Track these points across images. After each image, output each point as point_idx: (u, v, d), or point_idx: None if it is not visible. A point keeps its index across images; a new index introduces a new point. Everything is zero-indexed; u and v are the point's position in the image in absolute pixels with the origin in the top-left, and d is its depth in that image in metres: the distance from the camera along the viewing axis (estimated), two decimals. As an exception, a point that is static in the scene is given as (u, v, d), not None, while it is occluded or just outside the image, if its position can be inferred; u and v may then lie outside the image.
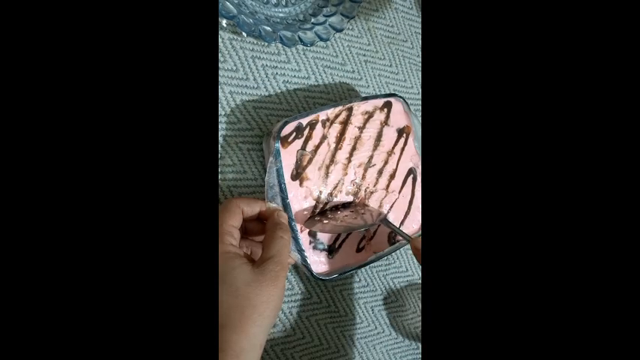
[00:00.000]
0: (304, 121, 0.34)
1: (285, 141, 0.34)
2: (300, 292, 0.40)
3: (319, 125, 0.36)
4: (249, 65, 0.37)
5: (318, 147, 0.36)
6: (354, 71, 0.43)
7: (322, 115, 0.36)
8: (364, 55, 0.44)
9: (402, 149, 0.40)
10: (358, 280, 0.44)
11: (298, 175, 0.34)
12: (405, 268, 0.47)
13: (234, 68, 0.36)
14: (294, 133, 0.34)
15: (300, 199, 0.35)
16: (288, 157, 0.34)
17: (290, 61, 0.39)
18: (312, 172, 0.35)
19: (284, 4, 0.37)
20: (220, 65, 0.35)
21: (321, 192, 0.36)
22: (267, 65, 0.38)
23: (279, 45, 0.38)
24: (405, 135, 0.40)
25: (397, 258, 0.47)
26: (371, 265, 0.44)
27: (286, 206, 0.32)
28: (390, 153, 0.40)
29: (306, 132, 0.35)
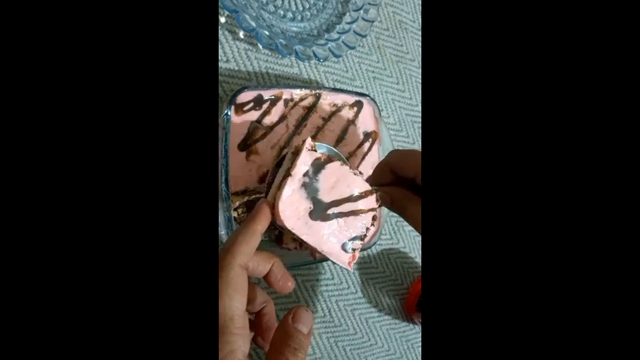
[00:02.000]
0: (265, 94, 0.32)
1: (240, 109, 0.31)
2: (296, 300, 0.41)
3: (281, 103, 0.33)
4: (262, 76, 0.38)
5: (275, 125, 0.33)
6: (362, 87, 0.44)
7: (286, 94, 0.34)
8: (373, 72, 0.45)
9: (365, 154, 0.38)
10: (355, 291, 0.44)
11: (247, 146, 0.32)
12: (400, 281, 0.48)
13: (248, 77, 0.37)
14: (252, 104, 0.32)
15: (245, 172, 0.32)
16: (239, 125, 0.31)
17: (302, 74, 0.40)
18: (263, 148, 0.33)
19: (299, 19, 0.38)
20: (234, 74, 0.36)
21: (268, 171, 0.32)
22: (279, 76, 0.39)
23: (293, 58, 0.39)
24: (371, 140, 0.38)
25: (394, 271, 0.47)
26: (368, 277, 0.45)
27: (226, 174, 0.29)
28: (352, 154, 0.37)
29: (265, 106, 0.32)
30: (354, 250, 0.28)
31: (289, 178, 0.26)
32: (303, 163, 0.26)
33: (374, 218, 0.28)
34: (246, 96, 0.32)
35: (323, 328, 0.42)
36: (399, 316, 0.48)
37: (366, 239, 0.29)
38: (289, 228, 0.26)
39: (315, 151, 0.27)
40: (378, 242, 0.46)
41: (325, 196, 0.27)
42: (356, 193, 0.28)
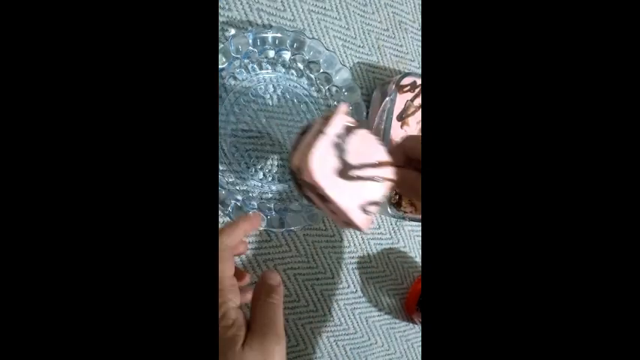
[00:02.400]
0: (418, 81, 0.41)
1: (400, 88, 0.40)
2: (296, 299, 0.41)
3: None
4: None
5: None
6: (362, 87, 0.44)
7: None
8: (373, 73, 0.45)
9: None
10: (355, 290, 0.45)
11: (402, 118, 0.41)
12: (400, 280, 0.48)
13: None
14: (409, 87, 0.41)
15: (397, 137, 0.41)
16: (400, 101, 0.40)
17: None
18: (412, 121, 0.42)
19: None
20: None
21: None
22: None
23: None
24: None
25: (394, 270, 0.47)
26: (368, 276, 0.45)
27: (386, 132, 0.39)
28: None
29: (417, 90, 0.41)
30: (369, 213, 0.30)
31: (323, 136, 0.28)
32: (337, 124, 0.28)
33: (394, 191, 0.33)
34: (406, 80, 0.40)
35: (323, 327, 0.43)
36: (399, 316, 0.48)
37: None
38: (316, 181, 0.27)
39: (348, 116, 0.30)
40: (377, 242, 0.46)
41: (351, 158, 0.29)
42: (377, 161, 0.30)
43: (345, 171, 0.28)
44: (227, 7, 0.37)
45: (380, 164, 0.30)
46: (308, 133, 0.30)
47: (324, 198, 0.29)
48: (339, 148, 0.28)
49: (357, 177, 0.29)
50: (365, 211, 0.29)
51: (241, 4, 0.38)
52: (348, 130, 0.29)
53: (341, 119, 0.29)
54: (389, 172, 0.30)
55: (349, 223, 0.30)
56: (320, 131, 0.28)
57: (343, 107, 0.29)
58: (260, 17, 0.39)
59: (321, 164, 0.27)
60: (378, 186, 0.30)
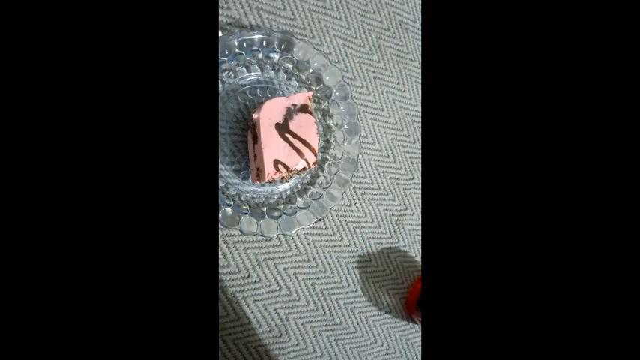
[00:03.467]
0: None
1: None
2: (296, 298, 0.41)
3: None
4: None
5: None
6: (363, 86, 0.44)
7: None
8: (374, 72, 0.45)
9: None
10: (355, 289, 0.45)
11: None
12: (400, 280, 0.48)
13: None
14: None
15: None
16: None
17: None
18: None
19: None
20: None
21: None
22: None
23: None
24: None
25: (394, 269, 0.47)
26: (368, 275, 0.45)
27: None
28: None
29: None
30: (279, 170, 0.35)
31: (282, 97, 0.35)
32: (297, 99, 0.35)
33: (303, 169, 0.37)
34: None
35: (323, 326, 0.43)
36: (399, 315, 0.48)
37: (290, 179, 0.39)
38: (260, 118, 0.34)
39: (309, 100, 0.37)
40: (378, 241, 0.46)
41: (292, 126, 0.36)
42: (310, 144, 0.36)
43: (283, 130, 0.35)
44: (226, 6, 0.37)
45: (308, 149, 0.36)
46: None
47: (256, 139, 0.35)
48: (289, 113, 0.35)
49: (288, 141, 0.35)
50: (276, 167, 0.35)
51: (240, 3, 0.38)
52: (303, 108, 0.36)
53: (302, 97, 0.36)
54: (312, 158, 0.36)
55: (259, 169, 0.35)
56: (282, 96, 0.36)
57: (308, 93, 0.36)
58: (260, 16, 0.39)
59: (270, 110, 0.35)
60: (298, 158, 0.36)
